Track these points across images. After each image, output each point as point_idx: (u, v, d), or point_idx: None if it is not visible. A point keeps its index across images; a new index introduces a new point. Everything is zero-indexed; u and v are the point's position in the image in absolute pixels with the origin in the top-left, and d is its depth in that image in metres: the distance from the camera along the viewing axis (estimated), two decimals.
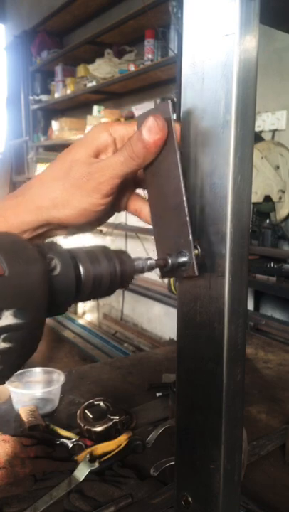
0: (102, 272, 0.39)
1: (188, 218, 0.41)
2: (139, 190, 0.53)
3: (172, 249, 0.43)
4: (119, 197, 0.50)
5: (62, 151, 0.47)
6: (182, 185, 0.41)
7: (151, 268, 0.42)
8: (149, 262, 0.42)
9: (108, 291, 0.40)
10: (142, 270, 0.42)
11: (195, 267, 0.41)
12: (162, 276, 0.44)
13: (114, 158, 0.44)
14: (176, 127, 0.42)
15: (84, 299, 0.39)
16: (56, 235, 0.51)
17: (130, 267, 0.41)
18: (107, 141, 0.46)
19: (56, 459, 0.85)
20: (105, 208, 0.47)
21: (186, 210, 0.41)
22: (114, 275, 0.39)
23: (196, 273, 0.41)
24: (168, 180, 0.43)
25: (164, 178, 0.44)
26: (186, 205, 0.41)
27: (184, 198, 0.41)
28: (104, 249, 0.41)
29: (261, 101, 2.59)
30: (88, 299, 0.39)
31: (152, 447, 0.91)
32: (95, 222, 0.49)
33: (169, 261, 0.42)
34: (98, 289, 0.39)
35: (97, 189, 0.45)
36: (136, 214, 0.52)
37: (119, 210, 0.52)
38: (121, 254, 0.41)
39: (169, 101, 0.42)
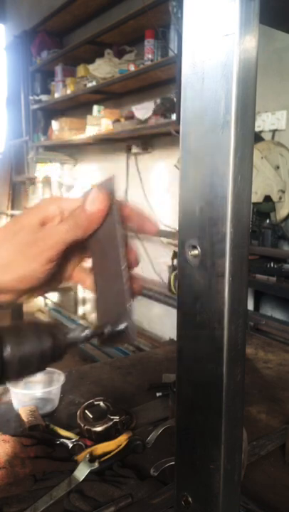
0: (29, 351, 0.38)
1: (126, 287, 0.43)
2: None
3: (111, 317, 0.44)
4: (63, 265, 0.51)
5: (13, 217, 0.49)
6: (121, 255, 0.44)
7: (87, 339, 0.43)
8: (84, 334, 0.42)
9: (39, 369, 0.39)
10: (77, 343, 0.42)
11: (132, 334, 0.43)
12: (101, 344, 0.45)
13: (58, 227, 0.47)
14: (118, 202, 0.45)
15: (10, 381, 0.39)
16: None
17: (63, 341, 0.40)
18: (55, 211, 0.48)
19: (56, 459, 0.85)
20: (48, 275, 0.48)
21: (124, 279, 0.43)
22: (44, 352, 0.39)
23: (133, 340, 0.42)
24: (109, 249, 0.45)
25: (105, 247, 0.46)
26: (123, 274, 0.43)
27: (122, 267, 0.43)
28: (35, 325, 0.40)
29: (261, 101, 2.59)
30: (16, 379, 0.39)
31: (152, 447, 0.91)
32: (38, 288, 0.50)
33: (106, 330, 0.43)
34: (26, 369, 0.38)
35: (40, 255, 0.46)
36: (79, 283, 0.53)
37: (64, 279, 0.54)
38: (53, 328, 0.41)
39: (112, 177, 0.45)
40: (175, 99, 3.12)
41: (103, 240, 0.47)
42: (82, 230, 0.46)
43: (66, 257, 0.50)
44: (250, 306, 2.68)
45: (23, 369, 0.38)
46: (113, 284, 0.45)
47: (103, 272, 0.48)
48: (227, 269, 0.39)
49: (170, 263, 3.12)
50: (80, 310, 4.96)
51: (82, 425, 0.92)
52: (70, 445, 0.88)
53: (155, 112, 3.25)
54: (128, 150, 3.87)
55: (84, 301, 4.93)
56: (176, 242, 2.48)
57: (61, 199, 0.49)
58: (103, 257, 0.47)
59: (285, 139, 2.60)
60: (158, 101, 3.26)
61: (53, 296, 5.32)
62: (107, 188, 0.46)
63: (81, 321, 4.58)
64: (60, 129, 4.61)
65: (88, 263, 0.52)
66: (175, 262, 3.00)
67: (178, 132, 0.44)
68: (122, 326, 0.43)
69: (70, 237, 0.46)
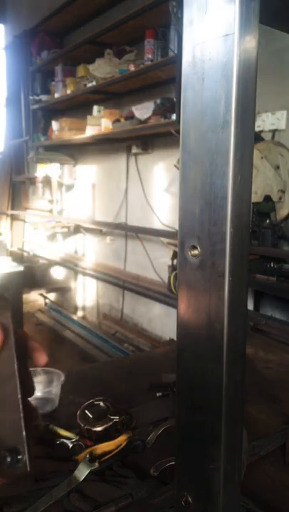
0: None
1: (22, 415, 0.45)
2: None
3: (7, 446, 0.46)
4: None
5: None
6: (18, 385, 0.46)
7: None
8: None
9: None
10: None
11: (27, 463, 0.44)
12: None
13: None
14: (17, 334, 0.48)
15: None
16: None
17: None
18: None
19: (56, 459, 0.85)
20: None
21: (21, 407, 0.46)
22: None
23: (28, 469, 0.44)
24: (5, 379, 0.48)
25: (1, 377, 0.48)
26: (20, 402, 0.46)
27: (19, 397, 0.46)
28: None
29: (261, 101, 2.59)
30: None
31: (152, 447, 0.91)
32: None
33: (8, 459, 0.44)
34: None
35: None
36: None
37: None
38: None
39: (9, 314, 0.49)
40: (175, 99, 3.12)
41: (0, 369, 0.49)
42: None
43: None
44: (250, 306, 2.68)
45: None
46: (9, 413, 0.47)
47: (0, 401, 0.50)
48: (227, 269, 0.39)
49: (170, 263, 3.12)
50: (80, 309, 4.96)
51: (82, 425, 0.92)
52: (70, 445, 0.88)
53: (155, 112, 3.25)
54: (128, 150, 3.87)
55: (84, 302, 4.93)
56: (176, 242, 2.48)
57: None
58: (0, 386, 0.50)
59: (285, 139, 2.60)
60: (158, 101, 3.26)
61: (53, 296, 5.33)
62: (3, 319, 0.49)
63: (80, 320, 4.58)
64: (60, 129, 4.61)
65: None
66: (175, 262, 3.00)
67: (178, 132, 0.44)
68: (19, 456, 0.45)
69: None
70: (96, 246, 4.62)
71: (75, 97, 4.28)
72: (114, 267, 4.25)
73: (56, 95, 4.62)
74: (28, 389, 0.49)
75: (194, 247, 0.41)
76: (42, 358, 0.52)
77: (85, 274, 4.77)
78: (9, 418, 0.47)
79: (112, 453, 0.86)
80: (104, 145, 4.30)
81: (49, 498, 0.75)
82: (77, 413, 0.97)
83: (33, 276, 5.10)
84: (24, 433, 0.45)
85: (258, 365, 1.35)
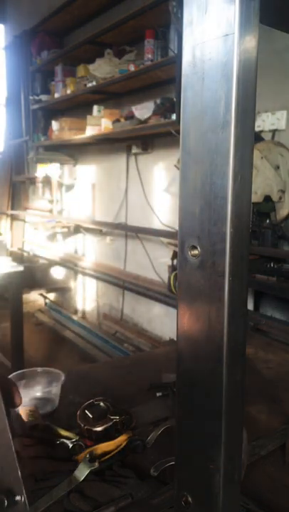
0: None
1: (15, 455, 0.45)
2: None
3: (3, 488, 0.46)
4: None
5: None
6: (7, 425, 0.47)
7: None
8: None
9: None
10: None
11: (26, 503, 0.45)
12: None
13: None
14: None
15: None
16: None
17: None
18: None
19: (56, 459, 0.85)
20: None
21: (13, 447, 0.45)
22: None
23: (28, 509, 0.44)
24: None
25: None
26: (12, 444, 0.45)
27: (10, 438, 0.46)
28: None
29: (261, 101, 2.59)
30: None
31: (152, 447, 0.91)
32: None
33: (6, 502, 0.44)
34: None
35: None
36: None
37: None
38: None
39: None
40: (175, 99, 3.12)
41: None
42: None
43: None
44: (250, 306, 2.68)
45: None
46: (2, 455, 0.47)
47: None
48: (227, 269, 0.39)
49: (170, 263, 3.12)
50: (80, 309, 4.96)
51: (82, 425, 0.92)
52: (70, 445, 0.88)
53: (155, 112, 3.25)
54: (128, 150, 3.87)
55: (84, 302, 4.93)
56: (176, 242, 2.48)
57: None
58: None
59: (285, 139, 2.60)
60: (158, 101, 3.26)
61: (53, 296, 5.33)
62: None
63: (80, 320, 4.58)
64: (60, 129, 4.61)
65: None
66: (175, 262, 3.00)
67: (178, 132, 0.44)
68: (17, 497, 0.45)
69: None
70: (96, 246, 4.62)
71: (75, 97, 4.28)
72: (114, 267, 4.25)
73: (56, 95, 4.62)
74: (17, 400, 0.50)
75: (194, 247, 0.41)
76: (18, 399, 0.55)
77: (85, 274, 4.77)
78: (2, 459, 0.47)
79: (112, 453, 0.86)
80: (104, 145, 4.30)
81: (49, 498, 0.75)
82: (77, 413, 0.97)
83: (33, 276, 5.10)
84: (19, 473, 0.45)
85: (258, 365, 1.35)
